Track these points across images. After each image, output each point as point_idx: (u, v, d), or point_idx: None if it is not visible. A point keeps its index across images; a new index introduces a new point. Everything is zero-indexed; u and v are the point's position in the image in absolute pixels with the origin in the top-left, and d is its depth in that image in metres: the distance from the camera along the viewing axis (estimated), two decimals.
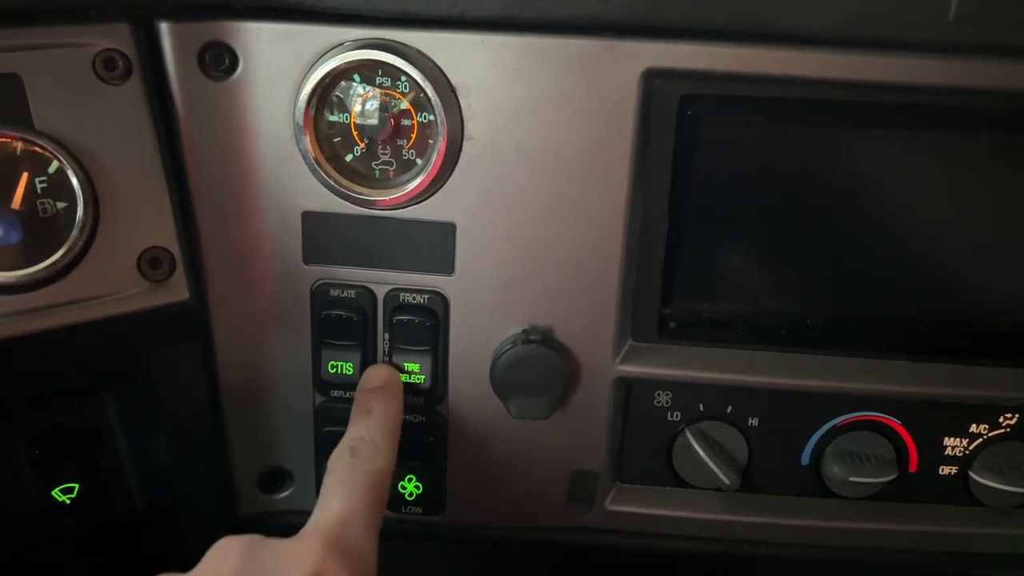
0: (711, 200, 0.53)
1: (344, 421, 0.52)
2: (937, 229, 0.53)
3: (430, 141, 0.50)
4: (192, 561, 0.42)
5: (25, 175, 0.46)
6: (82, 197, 0.47)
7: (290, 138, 0.50)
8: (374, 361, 0.56)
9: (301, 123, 0.49)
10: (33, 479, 0.56)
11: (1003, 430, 0.58)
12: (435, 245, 0.53)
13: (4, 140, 0.45)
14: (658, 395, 0.58)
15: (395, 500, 0.59)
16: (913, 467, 0.59)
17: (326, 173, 0.50)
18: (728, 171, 0.52)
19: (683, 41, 0.47)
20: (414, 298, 0.55)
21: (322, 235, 0.53)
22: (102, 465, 0.58)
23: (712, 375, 0.56)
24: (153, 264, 0.50)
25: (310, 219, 0.53)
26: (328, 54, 0.48)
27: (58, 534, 0.58)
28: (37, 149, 0.46)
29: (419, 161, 0.51)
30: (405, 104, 0.50)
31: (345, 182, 0.51)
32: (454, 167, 0.51)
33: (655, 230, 0.53)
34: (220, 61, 0.49)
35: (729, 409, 0.58)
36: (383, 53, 0.47)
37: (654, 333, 0.56)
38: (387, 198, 0.51)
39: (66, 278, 0.48)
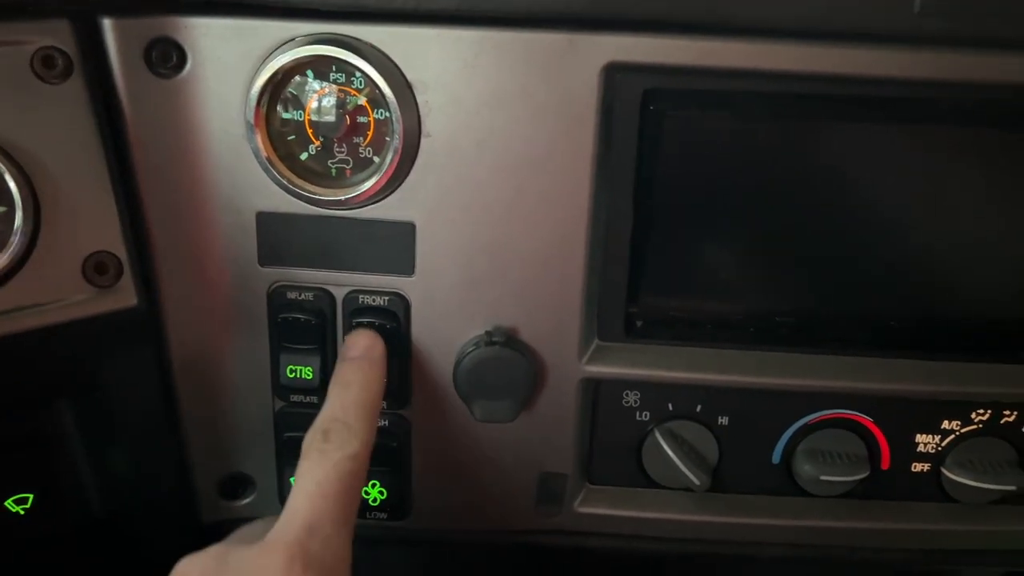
0: (677, 196, 0.52)
1: (305, 427, 0.50)
2: (907, 224, 0.52)
3: (387, 138, 0.49)
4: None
5: None
6: (21, 201, 0.45)
7: (242, 137, 0.49)
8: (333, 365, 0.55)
9: (252, 121, 0.48)
10: None
11: (975, 426, 0.57)
12: (394, 245, 0.52)
13: None
14: (626, 395, 0.57)
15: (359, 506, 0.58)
16: (885, 464, 0.58)
17: (279, 172, 0.49)
18: (693, 166, 0.51)
19: (644, 34, 0.46)
20: (374, 300, 0.53)
21: (278, 236, 0.52)
22: (58, 474, 0.57)
23: (681, 374, 0.55)
24: (99, 269, 0.49)
25: (265, 220, 0.51)
26: (279, 50, 0.47)
27: (13, 544, 0.57)
28: None
29: (376, 159, 0.49)
30: (361, 100, 0.48)
31: (299, 181, 0.49)
32: (412, 165, 0.49)
33: (620, 227, 0.52)
34: (167, 58, 0.48)
35: (698, 408, 0.57)
36: (336, 48, 0.46)
37: (621, 332, 0.55)
38: (343, 197, 0.50)
39: (6, 285, 0.46)
